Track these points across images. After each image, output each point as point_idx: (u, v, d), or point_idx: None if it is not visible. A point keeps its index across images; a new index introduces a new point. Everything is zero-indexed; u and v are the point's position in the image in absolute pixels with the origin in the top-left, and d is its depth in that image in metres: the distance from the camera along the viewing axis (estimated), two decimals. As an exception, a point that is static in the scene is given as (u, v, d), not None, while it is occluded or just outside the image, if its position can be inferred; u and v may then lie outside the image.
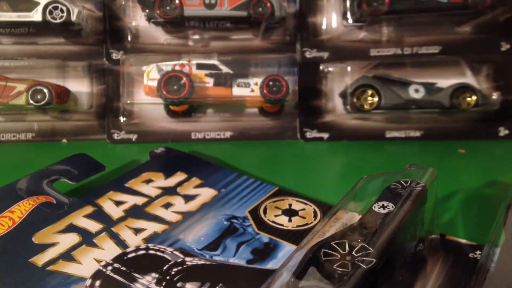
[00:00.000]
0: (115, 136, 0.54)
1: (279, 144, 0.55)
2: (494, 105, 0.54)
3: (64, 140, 0.55)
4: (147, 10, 0.53)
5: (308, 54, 0.56)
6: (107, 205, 0.38)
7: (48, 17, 0.52)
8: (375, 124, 0.56)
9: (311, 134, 0.56)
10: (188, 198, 0.40)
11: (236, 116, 0.56)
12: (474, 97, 0.53)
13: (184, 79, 0.52)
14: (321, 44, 0.56)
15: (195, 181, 0.42)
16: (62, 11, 0.52)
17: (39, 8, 0.52)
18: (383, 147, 0.55)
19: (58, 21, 0.52)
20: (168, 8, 0.53)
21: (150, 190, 0.41)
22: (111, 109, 0.55)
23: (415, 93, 0.53)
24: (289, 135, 0.56)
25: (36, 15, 0.52)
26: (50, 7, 0.52)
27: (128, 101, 0.54)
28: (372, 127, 0.56)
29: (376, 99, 0.53)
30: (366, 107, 0.53)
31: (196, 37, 0.56)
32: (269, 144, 0.55)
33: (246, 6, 0.54)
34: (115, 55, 0.55)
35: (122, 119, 0.55)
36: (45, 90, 0.51)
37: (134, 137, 0.55)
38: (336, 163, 0.53)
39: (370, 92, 0.53)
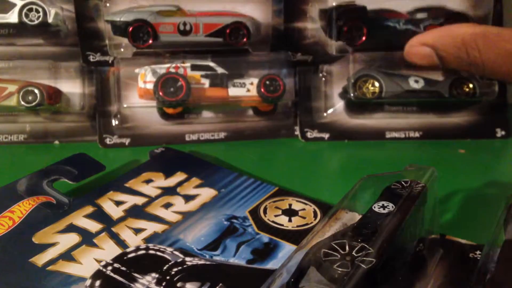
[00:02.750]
0: (108, 141, 0.54)
1: (277, 142, 0.55)
2: (492, 95, 0.55)
3: (56, 142, 0.54)
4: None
5: (293, 58, 0.56)
6: (107, 205, 0.38)
7: (25, 19, 0.52)
8: (376, 124, 0.56)
9: (312, 134, 0.56)
10: (188, 198, 0.40)
11: (230, 116, 0.56)
12: (471, 86, 0.54)
13: (181, 81, 0.52)
14: (305, 48, 0.56)
15: (195, 181, 0.42)
16: (38, 12, 0.52)
17: (16, 10, 0.52)
18: (384, 147, 0.55)
19: (34, 22, 0.52)
20: (141, 35, 0.52)
21: (150, 190, 0.41)
22: (103, 113, 0.54)
23: (415, 83, 0.54)
24: (283, 133, 0.56)
25: (12, 17, 0.52)
26: (26, 9, 0.52)
27: (125, 105, 0.53)
28: (372, 127, 0.56)
29: (377, 88, 0.54)
30: (368, 95, 0.54)
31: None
32: (266, 143, 0.55)
33: (221, 32, 0.53)
34: (92, 57, 0.54)
35: (114, 122, 0.54)
36: (37, 91, 0.51)
37: (127, 141, 0.54)
38: (337, 163, 0.53)
39: (371, 81, 0.54)
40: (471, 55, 0.34)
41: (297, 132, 0.56)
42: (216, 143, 0.55)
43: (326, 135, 0.56)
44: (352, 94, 0.54)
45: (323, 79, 0.57)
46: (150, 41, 0.53)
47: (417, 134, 0.56)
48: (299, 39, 0.56)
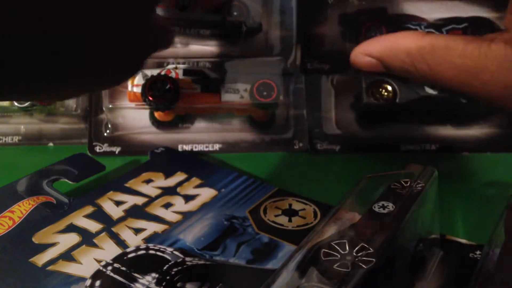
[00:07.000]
0: (97, 149, 0.51)
1: (273, 156, 0.53)
2: None
3: (51, 144, 0.53)
4: None
5: (309, 66, 0.54)
6: (107, 205, 0.38)
7: None
8: (390, 136, 0.53)
9: (322, 145, 0.54)
10: (188, 198, 0.40)
11: (225, 126, 0.53)
12: None
13: (169, 84, 0.50)
14: (323, 55, 0.53)
15: (195, 181, 0.42)
16: None
17: None
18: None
19: None
20: None
21: (150, 190, 0.41)
22: (94, 121, 0.52)
23: (431, 89, 0.52)
24: (280, 147, 0.53)
25: None
26: None
27: (110, 105, 0.51)
28: (386, 139, 0.53)
29: (391, 93, 0.51)
30: (381, 102, 0.52)
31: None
32: (263, 156, 0.52)
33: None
34: None
35: (105, 131, 0.52)
36: None
37: (117, 150, 0.52)
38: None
39: (385, 86, 0.52)
40: (419, 70, 0.34)
41: (297, 146, 0.53)
42: (210, 155, 0.52)
43: (337, 147, 0.54)
44: (364, 101, 0.51)
45: (334, 88, 0.54)
46: None
47: (433, 147, 0.53)
48: (316, 46, 0.53)
